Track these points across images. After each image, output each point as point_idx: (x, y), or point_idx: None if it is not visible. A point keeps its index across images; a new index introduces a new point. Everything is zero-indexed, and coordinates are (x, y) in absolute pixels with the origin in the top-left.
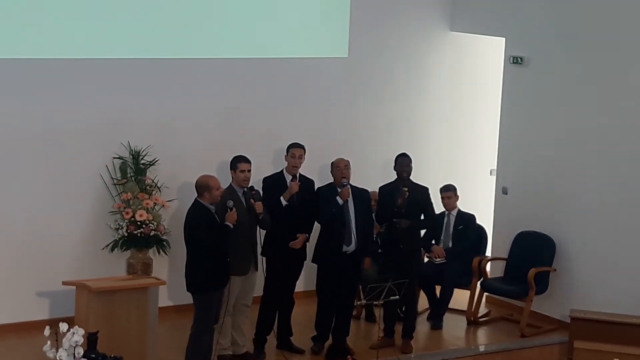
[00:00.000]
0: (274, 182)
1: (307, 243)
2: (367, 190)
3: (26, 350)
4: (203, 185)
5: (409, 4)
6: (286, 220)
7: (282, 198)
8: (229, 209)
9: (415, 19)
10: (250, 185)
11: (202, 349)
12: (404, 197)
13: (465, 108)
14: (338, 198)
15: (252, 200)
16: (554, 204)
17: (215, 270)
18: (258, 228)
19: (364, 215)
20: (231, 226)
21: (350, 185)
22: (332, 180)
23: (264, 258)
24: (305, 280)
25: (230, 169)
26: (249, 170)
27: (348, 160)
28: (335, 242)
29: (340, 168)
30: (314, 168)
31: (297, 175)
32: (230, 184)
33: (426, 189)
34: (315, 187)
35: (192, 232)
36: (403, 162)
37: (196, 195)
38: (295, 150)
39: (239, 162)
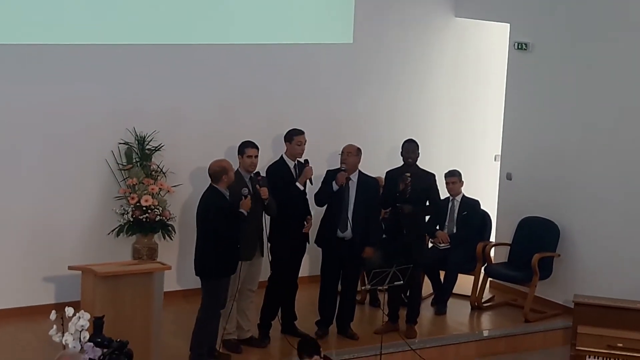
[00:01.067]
0: (278, 170)
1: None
2: (375, 179)
3: (32, 334)
4: (221, 170)
5: None
6: (300, 205)
7: (298, 184)
8: (243, 197)
9: (420, 4)
10: (256, 171)
11: (209, 334)
12: (405, 182)
13: (469, 94)
14: (333, 183)
15: (257, 186)
16: (558, 189)
17: (226, 257)
18: (264, 214)
19: (367, 203)
20: (245, 213)
21: (360, 172)
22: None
23: (269, 244)
24: (310, 265)
25: (238, 154)
26: (256, 156)
27: (358, 148)
28: (331, 227)
29: (343, 154)
30: (319, 154)
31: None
32: (237, 169)
33: (432, 176)
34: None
35: (206, 218)
36: (409, 149)
37: (209, 180)
38: (300, 138)
39: (246, 148)
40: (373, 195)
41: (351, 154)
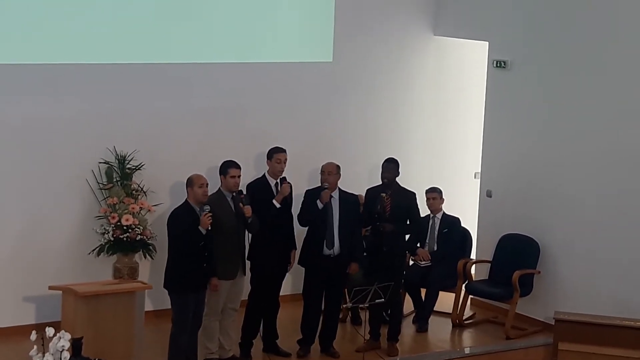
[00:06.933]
0: (258, 187)
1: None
2: (355, 195)
3: (13, 355)
4: (188, 181)
5: (392, 9)
6: (277, 222)
7: (274, 201)
8: (202, 213)
9: (399, 23)
10: (239, 189)
11: (181, 350)
12: (382, 204)
13: (449, 112)
14: (318, 202)
15: (240, 205)
16: (538, 206)
17: (190, 272)
18: (246, 232)
19: (350, 219)
20: (203, 231)
21: (340, 189)
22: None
23: (249, 262)
24: (292, 284)
25: (220, 174)
26: (239, 176)
27: (337, 165)
28: (317, 245)
29: (323, 173)
30: (300, 172)
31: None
32: (219, 188)
33: (413, 194)
34: (293, 190)
35: (169, 231)
36: (385, 168)
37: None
38: (280, 155)
39: (229, 168)
40: (355, 211)
41: (332, 173)
